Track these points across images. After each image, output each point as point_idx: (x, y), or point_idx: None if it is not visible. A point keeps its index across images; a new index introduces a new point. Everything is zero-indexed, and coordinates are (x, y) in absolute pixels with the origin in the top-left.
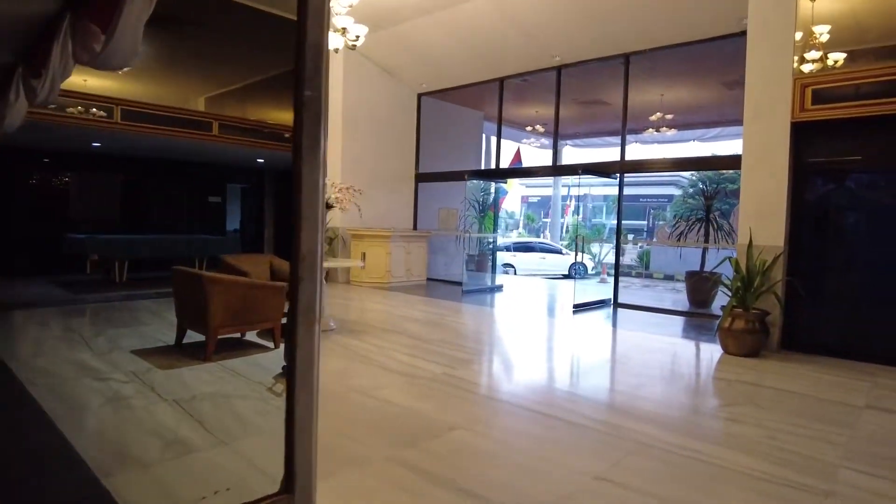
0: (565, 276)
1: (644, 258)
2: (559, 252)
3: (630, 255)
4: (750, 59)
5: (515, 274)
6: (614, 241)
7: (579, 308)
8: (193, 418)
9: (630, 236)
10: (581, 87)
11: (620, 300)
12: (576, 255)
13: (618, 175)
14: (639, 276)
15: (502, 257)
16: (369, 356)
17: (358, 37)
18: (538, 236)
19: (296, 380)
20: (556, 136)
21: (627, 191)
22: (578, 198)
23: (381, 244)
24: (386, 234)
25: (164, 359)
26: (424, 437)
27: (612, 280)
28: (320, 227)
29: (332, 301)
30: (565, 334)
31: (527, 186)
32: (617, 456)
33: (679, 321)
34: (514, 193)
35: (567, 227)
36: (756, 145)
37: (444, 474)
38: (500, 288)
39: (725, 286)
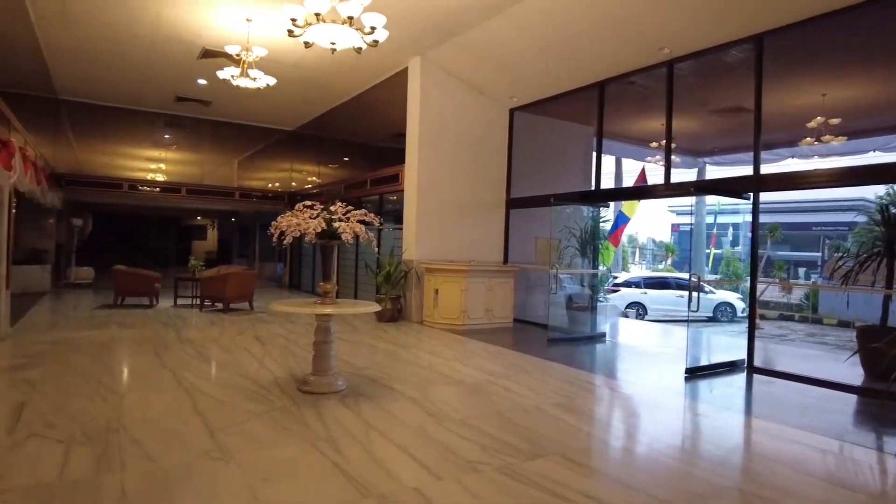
0: (710, 319)
1: (811, 298)
2: (701, 289)
3: (796, 294)
4: None
5: (645, 316)
6: (772, 276)
7: (695, 373)
8: None
9: (800, 271)
10: (710, 89)
11: (759, 362)
12: (689, 293)
13: (750, 195)
14: (804, 320)
15: (629, 295)
16: (340, 445)
17: (374, 28)
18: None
19: None
20: (669, 146)
21: (796, 218)
22: (725, 225)
23: (456, 280)
24: (460, 268)
25: None
26: None
27: (766, 326)
28: None
29: (377, 346)
30: (655, 425)
31: (677, 214)
32: None
33: (845, 402)
34: (664, 221)
35: (715, 259)
36: None
37: None
38: (601, 337)
39: None
